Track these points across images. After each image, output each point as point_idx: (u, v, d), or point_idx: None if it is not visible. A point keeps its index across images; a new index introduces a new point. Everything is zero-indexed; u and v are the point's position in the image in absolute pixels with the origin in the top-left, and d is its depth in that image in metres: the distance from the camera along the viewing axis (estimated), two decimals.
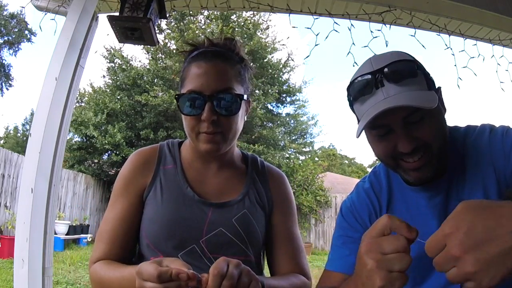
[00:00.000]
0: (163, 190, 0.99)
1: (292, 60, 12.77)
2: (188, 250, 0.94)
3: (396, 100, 0.77)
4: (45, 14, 1.97)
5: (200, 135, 0.93)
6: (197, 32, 10.95)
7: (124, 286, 0.84)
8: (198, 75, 0.92)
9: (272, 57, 12.72)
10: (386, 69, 0.80)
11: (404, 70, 0.80)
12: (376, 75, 0.81)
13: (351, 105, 0.90)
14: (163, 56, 11.67)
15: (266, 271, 1.21)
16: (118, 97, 11.69)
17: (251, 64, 1.07)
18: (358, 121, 0.87)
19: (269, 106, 12.93)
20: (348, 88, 0.88)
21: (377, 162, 1.03)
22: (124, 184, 1.00)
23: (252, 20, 12.10)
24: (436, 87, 0.87)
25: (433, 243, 0.53)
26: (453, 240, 0.50)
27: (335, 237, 0.98)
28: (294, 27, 2.27)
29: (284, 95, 13.31)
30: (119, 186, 1.00)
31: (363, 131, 0.84)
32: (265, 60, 12.35)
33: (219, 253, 0.95)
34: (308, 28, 2.19)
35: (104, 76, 12.59)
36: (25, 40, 19.55)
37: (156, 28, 1.77)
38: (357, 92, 0.84)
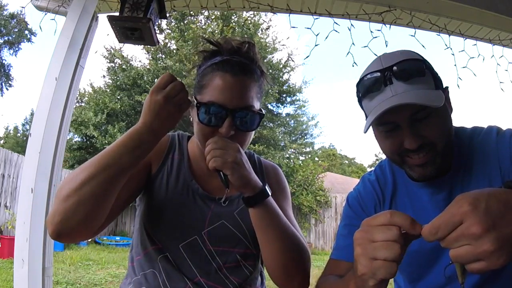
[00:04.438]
0: (170, 179, 0.99)
1: (293, 60, 12.80)
2: (189, 241, 0.95)
3: (404, 97, 0.78)
4: (45, 14, 1.97)
5: None
6: (197, 32, 10.95)
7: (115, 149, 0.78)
8: (223, 89, 0.89)
9: (273, 57, 12.75)
10: (395, 67, 0.81)
11: (413, 68, 0.82)
12: (385, 73, 0.82)
13: (360, 101, 0.91)
14: (163, 56, 11.68)
15: None
16: (118, 97, 11.69)
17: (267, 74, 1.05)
18: (366, 117, 0.88)
19: (269, 106, 12.94)
20: (358, 85, 0.89)
21: (377, 162, 1.03)
22: None
23: (252, 20, 12.11)
24: (444, 87, 0.88)
25: (447, 219, 0.50)
26: (473, 217, 0.48)
27: (341, 226, 1.00)
28: (293, 27, 2.27)
29: (284, 95, 13.32)
30: None
31: (371, 127, 0.86)
32: (265, 60, 12.36)
33: (220, 245, 0.97)
34: (308, 28, 2.19)
35: (104, 76, 12.62)
36: (25, 40, 19.58)
37: (156, 28, 1.77)
38: (366, 89, 0.85)
